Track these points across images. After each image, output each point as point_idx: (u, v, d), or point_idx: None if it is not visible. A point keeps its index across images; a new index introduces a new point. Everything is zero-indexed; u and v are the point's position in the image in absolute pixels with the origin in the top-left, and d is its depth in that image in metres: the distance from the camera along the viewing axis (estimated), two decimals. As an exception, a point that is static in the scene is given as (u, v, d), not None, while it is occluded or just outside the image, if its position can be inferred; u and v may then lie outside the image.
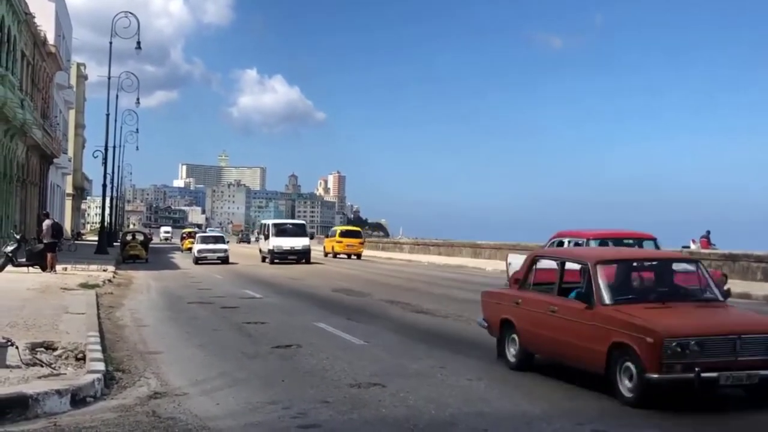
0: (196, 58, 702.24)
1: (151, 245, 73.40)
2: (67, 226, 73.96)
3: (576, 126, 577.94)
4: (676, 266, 9.60)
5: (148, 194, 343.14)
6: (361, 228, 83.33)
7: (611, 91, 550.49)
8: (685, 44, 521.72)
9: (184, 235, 66.43)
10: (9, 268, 24.69)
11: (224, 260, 40.20)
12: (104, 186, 53.67)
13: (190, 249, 52.60)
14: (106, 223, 55.69)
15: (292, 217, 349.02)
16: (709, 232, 36.70)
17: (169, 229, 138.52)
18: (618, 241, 16.69)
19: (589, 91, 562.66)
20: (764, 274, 26.36)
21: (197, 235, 49.88)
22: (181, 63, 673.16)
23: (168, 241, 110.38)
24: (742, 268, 27.50)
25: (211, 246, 41.32)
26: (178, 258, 49.37)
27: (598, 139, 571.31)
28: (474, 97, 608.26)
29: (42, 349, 9.95)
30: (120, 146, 74.70)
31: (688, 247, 34.96)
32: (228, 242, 44.81)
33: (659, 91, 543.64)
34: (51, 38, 53.20)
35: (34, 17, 44.97)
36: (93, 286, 20.79)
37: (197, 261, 39.97)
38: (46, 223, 27.21)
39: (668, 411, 7.69)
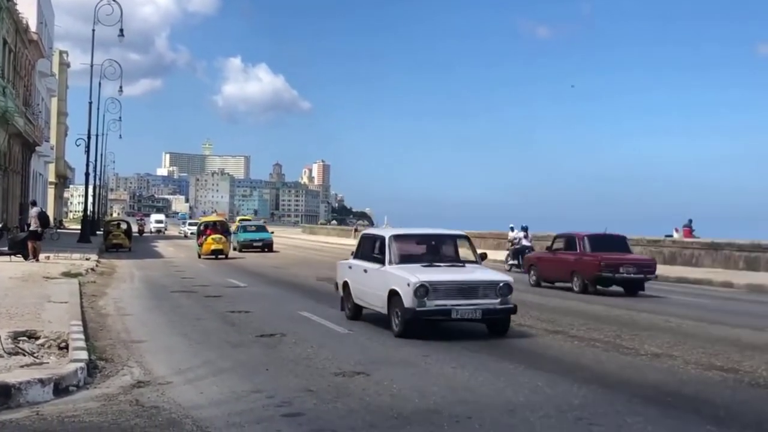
0: (181, 46, 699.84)
1: (145, 235, 71.61)
2: (50, 214, 73.48)
3: (564, 118, 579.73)
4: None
5: (131, 183, 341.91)
6: (346, 217, 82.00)
7: (599, 83, 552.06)
8: (672, 37, 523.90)
9: (204, 228, 38.05)
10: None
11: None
12: (87, 174, 53.45)
13: (216, 253, 35.15)
14: (89, 212, 55.43)
15: (277, 208, 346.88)
16: (691, 221, 36.87)
17: (161, 217, 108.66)
18: None
19: (576, 83, 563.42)
20: (746, 263, 26.58)
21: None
22: (166, 51, 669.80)
23: (161, 233, 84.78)
24: (724, 257, 27.71)
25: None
26: (161, 246, 49.06)
27: (585, 130, 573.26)
28: (461, 88, 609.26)
29: (24, 338, 9.89)
30: (103, 134, 74.38)
31: (671, 236, 35.14)
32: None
33: (649, 83, 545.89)
34: (33, 25, 52.76)
35: (15, 4, 44.57)
36: (76, 275, 20.67)
37: None
38: (35, 210, 27.04)
39: (651, 400, 7.75)
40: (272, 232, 47.71)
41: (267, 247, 43.63)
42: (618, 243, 21.91)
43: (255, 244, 43.53)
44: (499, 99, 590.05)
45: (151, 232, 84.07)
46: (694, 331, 12.88)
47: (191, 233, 71.65)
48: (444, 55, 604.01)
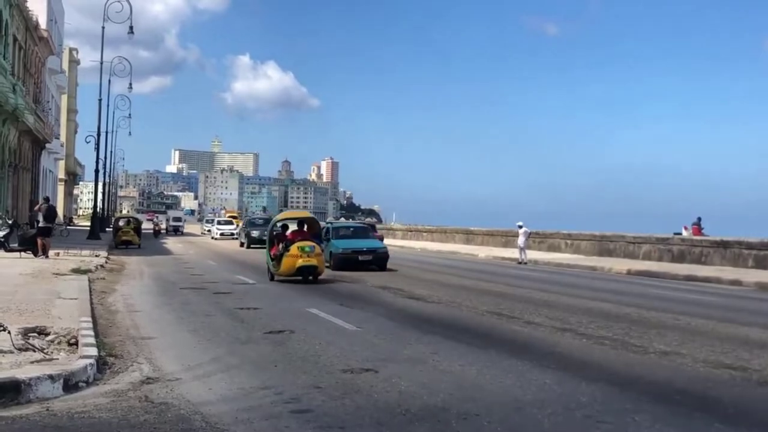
0: (191, 43, 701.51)
1: (160, 234, 68.86)
2: (60, 211, 73.68)
3: (570, 114, 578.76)
4: None
5: (140, 180, 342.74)
6: (354, 214, 78.54)
7: (606, 79, 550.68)
8: (679, 30, 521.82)
9: (282, 231, 22.84)
10: (1, 253, 24.66)
11: None
12: (96, 171, 53.61)
13: (307, 273, 21.03)
14: (98, 209, 55.61)
15: (285, 205, 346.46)
16: (700, 219, 36.76)
17: (180, 214, 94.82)
18: None
19: (583, 79, 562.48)
20: (756, 261, 26.45)
21: None
22: (176, 49, 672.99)
23: (179, 233, 73.86)
24: (733, 255, 27.58)
25: None
26: (171, 243, 49.12)
27: (592, 126, 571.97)
28: (469, 84, 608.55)
29: (34, 334, 9.94)
30: (112, 132, 74.61)
31: (680, 233, 35.03)
32: None
33: (653, 79, 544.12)
34: (43, 22, 52.99)
35: (26, 1, 44.73)
36: (85, 272, 20.76)
37: None
38: (45, 206, 27.19)
39: (659, 398, 7.74)
40: (382, 238, 33.46)
41: (379, 263, 26.94)
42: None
43: (362, 257, 26.91)
44: (511, 97, 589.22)
45: (167, 231, 73.20)
46: (702, 329, 12.85)
47: (221, 234, 60.78)
48: (452, 52, 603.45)
